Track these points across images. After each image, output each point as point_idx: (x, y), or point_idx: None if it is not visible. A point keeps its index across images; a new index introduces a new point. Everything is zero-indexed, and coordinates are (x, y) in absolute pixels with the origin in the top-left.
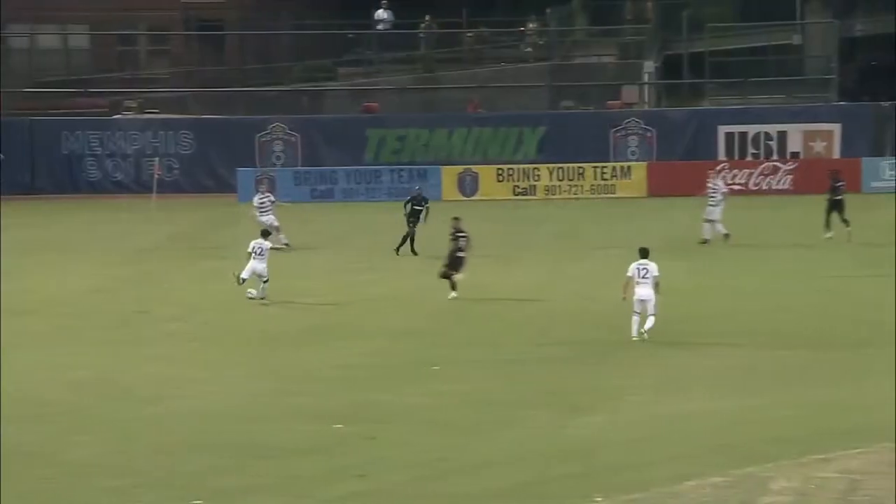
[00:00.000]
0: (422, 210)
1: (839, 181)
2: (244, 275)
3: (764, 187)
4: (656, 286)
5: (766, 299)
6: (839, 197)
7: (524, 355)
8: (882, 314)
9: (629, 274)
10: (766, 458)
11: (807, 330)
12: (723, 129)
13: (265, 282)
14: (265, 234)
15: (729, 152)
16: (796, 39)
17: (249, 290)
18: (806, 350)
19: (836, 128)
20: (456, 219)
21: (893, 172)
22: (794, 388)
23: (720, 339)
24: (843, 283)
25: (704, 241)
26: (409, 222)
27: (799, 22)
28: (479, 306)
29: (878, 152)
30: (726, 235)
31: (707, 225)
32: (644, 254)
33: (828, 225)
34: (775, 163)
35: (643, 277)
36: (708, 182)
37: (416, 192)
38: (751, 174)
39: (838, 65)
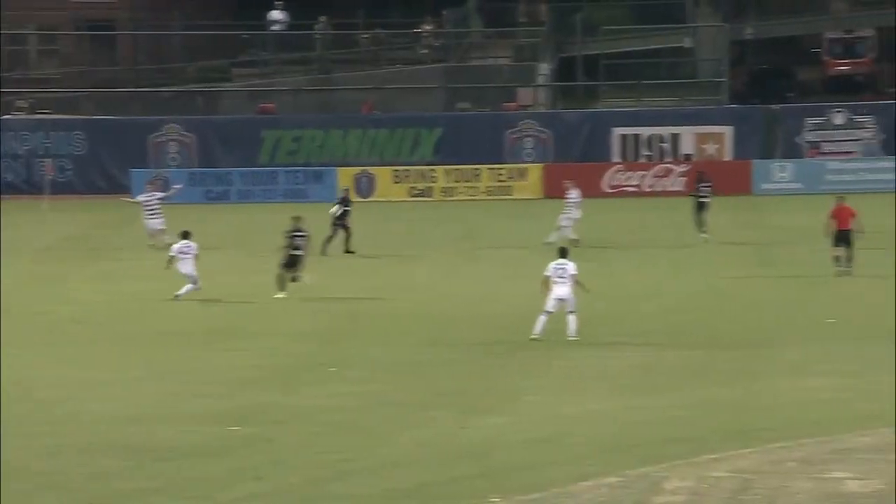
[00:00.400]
0: (350, 210)
1: (705, 182)
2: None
3: (658, 189)
4: (576, 284)
5: (660, 300)
6: (704, 198)
7: (423, 356)
8: (773, 314)
9: (547, 273)
10: (660, 458)
11: (700, 330)
12: (617, 131)
13: (192, 282)
14: (185, 234)
15: (623, 154)
16: (688, 42)
17: (180, 292)
18: (700, 350)
19: (727, 130)
20: (296, 218)
21: (784, 174)
22: (688, 388)
23: (617, 339)
24: (734, 284)
25: (574, 241)
26: (335, 224)
27: (690, 25)
28: (377, 307)
29: (768, 154)
30: (574, 240)
31: (562, 230)
32: (562, 253)
33: (699, 226)
34: (668, 165)
35: (561, 277)
36: (567, 190)
37: (344, 193)
38: (644, 176)
39: (729, 68)
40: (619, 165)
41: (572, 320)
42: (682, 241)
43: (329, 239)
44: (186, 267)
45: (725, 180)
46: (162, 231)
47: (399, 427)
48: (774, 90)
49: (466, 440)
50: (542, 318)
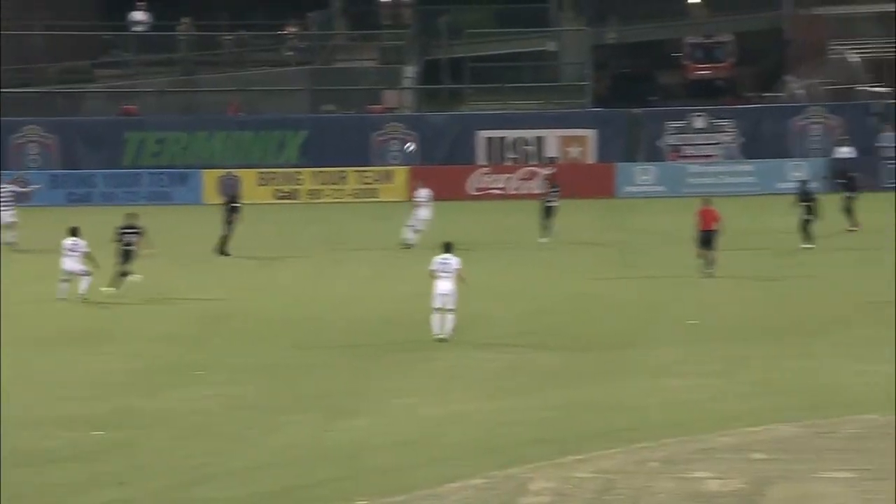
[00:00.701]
0: (238, 208)
1: (554, 187)
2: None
3: (523, 191)
4: (460, 279)
5: (527, 302)
6: (553, 203)
7: (289, 359)
8: (637, 316)
9: (432, 268)
10: (526, 459)
11: (565, 332)
12: (483, 134)
13: (85, 275)
14: (73, 231)
15: (489, 156)
16: (552, 46)
17: (71, 289)
18: (564, 352)
19: (591, 133)
20: (130, 215)
21: (646, 178)
22: (553, 389)
23: (484, 341)
24: (599, 286)
25: (407, 246)
26: (227, 222)
27: (554, 29)
28: (243, 310)
29: (631, 157)
30: (407, 243)
31: (413, 229)
32: (446, 248)
33: (544, 230)
34: (533, 168)
35: (444, 272)
36: (416, 190)
37: (233, 191)
38: (510, 178)
39: (592, 71)
40: (484, 168)
41: (450, 319)
42: (548, 244)
43: (224, 239)
44: (71, 264)
45: (589, 183)
46: (12, 224)
47: (264, 430)
48: (637, 94)
49: (332, 443)
50: (436, 317)
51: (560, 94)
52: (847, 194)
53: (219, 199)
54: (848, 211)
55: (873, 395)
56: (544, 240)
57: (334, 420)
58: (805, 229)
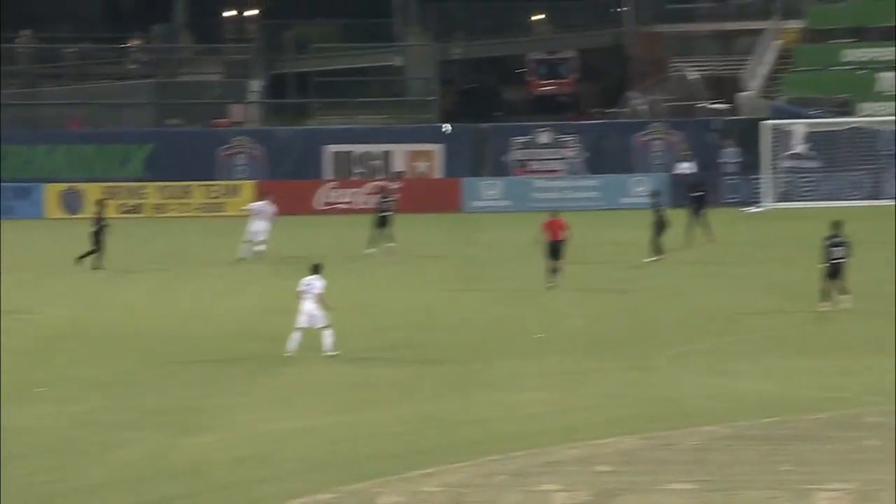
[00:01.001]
0: (105, 226)
1: (387, 198)
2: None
3: (370, 206)
4: (321, 301)
5: (376, 316)
6: (386, 213)
7: (134, 374)
8: (484, 330)
9: (299, 289)
10: (374, 474)
11: (412, 346)
12: (330, 149)
13: None
14: None
15: (337, 171)
16: (398, 61)
17: None
18: (411, 366)
19: (438, 148)
20: None
21: (493, 192)
22: (402, 403)
23: (331, 355)
24: (446, 300)
25: (243, 259)
26: (96, 238)
27: (400, 44)
28: (88, 325)
29: (477, 172)
30: (243, 256)
31: (252, 243)
32: (315, 269)
33: (374, 241)
34: (381, 182)
35: (308, 293)
36: (260, 203)
37: (99, 207)
38: (357, 193)
39: (439, 87)
40: (332, 182)
41: (327, 335)
42: (393, 259)
43: (92, 253)
44: None
45: (436, 198)
46: None
47: (107, 447)
48: (483, 109)
49: (176, 459)
50: (296, 335)
51: (407, 108)
52: (698, 208)
53: (62, 213)
54: (698, 225)
55: (713, 406)
56: (373, 251)
57: (179, 436)
58: (654, 242)
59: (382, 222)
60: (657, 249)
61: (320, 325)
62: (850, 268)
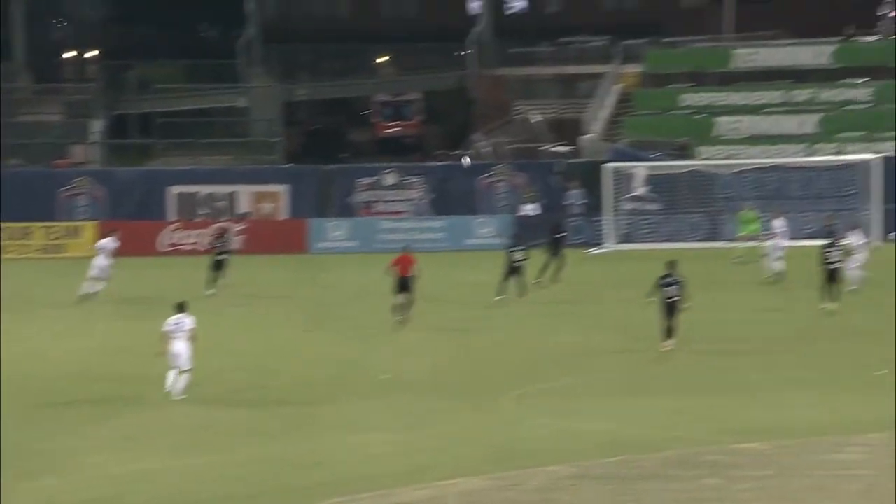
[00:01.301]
0: None
1: (222, 238)
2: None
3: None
4: (191, 339)
5: (221, 358)
6: (223, 256)
7: None
8: (330, 371)
9: (165, 329)
10: None
11: (259, 387)
12: (174, 190)
13: None
14: None
15: (181, 212)
16: (242, 102)
17: None
18: (259, 407)
19: (283, 189)
20: None
21: (338, 233)
22: (247, 445)
23: (178, 396)
24: (292, 341)
25: (86, 296)
26: None
27: (244, 85)
28: None
29: (323, 213)
30: (86, 293)
31: (93, 280)
32: (180, 308)
33: (212, 282)
34: (226, 223)
35: (178, 332)
36: (106, 240)
37: None
38: (202, 234)
39: (284, 128)
40: (176, 223)
41: (184, 379)
42: (238, 301)
43: None
44: None
45: (282, 239)
46: None
47: None
48: (328, 150)
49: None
50: (172, 373)
51: (251, 149)
52: (556, 250)
53: None
54: (551, 266)
55: (558, 446)
56: (211, 291)
57: (19, 480)
58: (506, 282)
59: (219, 264)
60: (507, 289)
61: (184, 368)
62: (686, 307)
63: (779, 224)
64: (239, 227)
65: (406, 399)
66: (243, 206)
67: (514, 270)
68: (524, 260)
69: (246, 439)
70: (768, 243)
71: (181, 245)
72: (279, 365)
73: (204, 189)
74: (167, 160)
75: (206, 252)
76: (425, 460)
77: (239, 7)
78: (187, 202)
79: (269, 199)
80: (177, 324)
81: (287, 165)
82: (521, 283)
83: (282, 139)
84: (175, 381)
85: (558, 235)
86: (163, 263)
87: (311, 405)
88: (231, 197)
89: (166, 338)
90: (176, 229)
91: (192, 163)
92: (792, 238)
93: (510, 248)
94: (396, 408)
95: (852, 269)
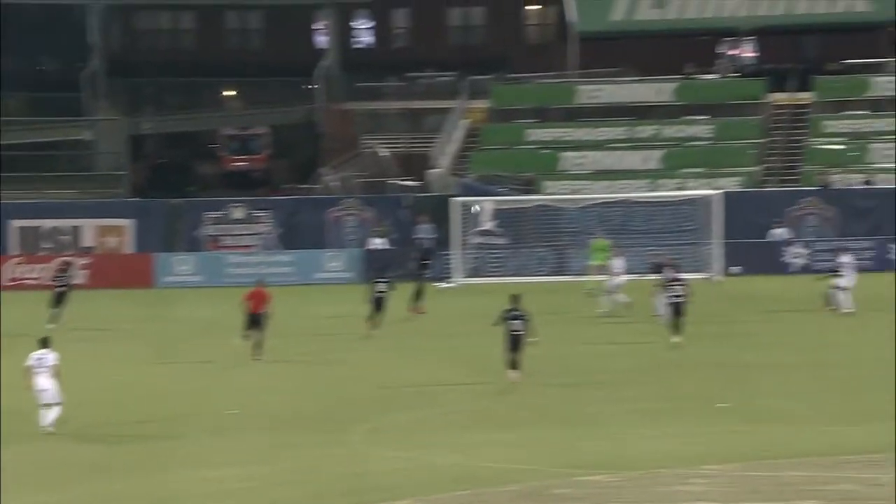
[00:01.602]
0: None
1: (64, 273)
2: None
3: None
4: (55, 375)
5: (67, 393)
6: (64, 288)
7: None
8: (177, 406)
9: (28, 363)
10: None
11: (106, 422)
12: (15, 223)
13: None
14: None
15: (23, 246)
16: (87, 135)
17: None
18: (105, 443)
19: (129, 223)
20: None
21: (185, 267)
22: (93, 481)
23: (23, 433)
24: (137, 377)
25: None
26: None
27: (89, 119)
28: None
29: (170, 248)
30: None
31: None
32: (44, 343)
33: (54, 317)
34: (70, 257)
35: (41, 367)
36: None
37: None
38: (45, 268)
39: (129, 161)
40: (17, 258)
41: (54, 412)
42: (83, 336)
43: None
44: None
45: (127, 273)
46: None
47: None
48: (175, 184)
49: None
50: (43, 411)
51: (96, 183)
52: (419, 280)
53: None
54: (418, 296)
55: (407, 481)
56: (52, 326)
57: None
58: (377, 314)
59: (60, 298)
60: (374, 323)
61: (54, 402)
62: (533, 341)
63: (618, 263)
64: (83, 261)
65: (254, 434)
66: (88, 240)
67: (377, 302)
68: (387, 292)
69: (94, 476)
70: (609, 281)
71: (24, 279)
72: (125, 400)
73: (47, 223)
74: (9, 194)
75: (49, 287)
76: (275, 495)
77: (82, 40)
78: (30, 236)
79: (114, 232)
80: (39, 359)
81: (133, 199)
82: (380, 315)
83: (128, 173)
84: (44, 415)
85: (425, 262)
86: (4, 298)
87: (159, 441)
88: (75, 231)
89: (29, 373)
90: (19, 263)
91: (36, 196)
92: (635, 272)
93: (373, 280)
94: (245, 442)
95: (844, 292)
